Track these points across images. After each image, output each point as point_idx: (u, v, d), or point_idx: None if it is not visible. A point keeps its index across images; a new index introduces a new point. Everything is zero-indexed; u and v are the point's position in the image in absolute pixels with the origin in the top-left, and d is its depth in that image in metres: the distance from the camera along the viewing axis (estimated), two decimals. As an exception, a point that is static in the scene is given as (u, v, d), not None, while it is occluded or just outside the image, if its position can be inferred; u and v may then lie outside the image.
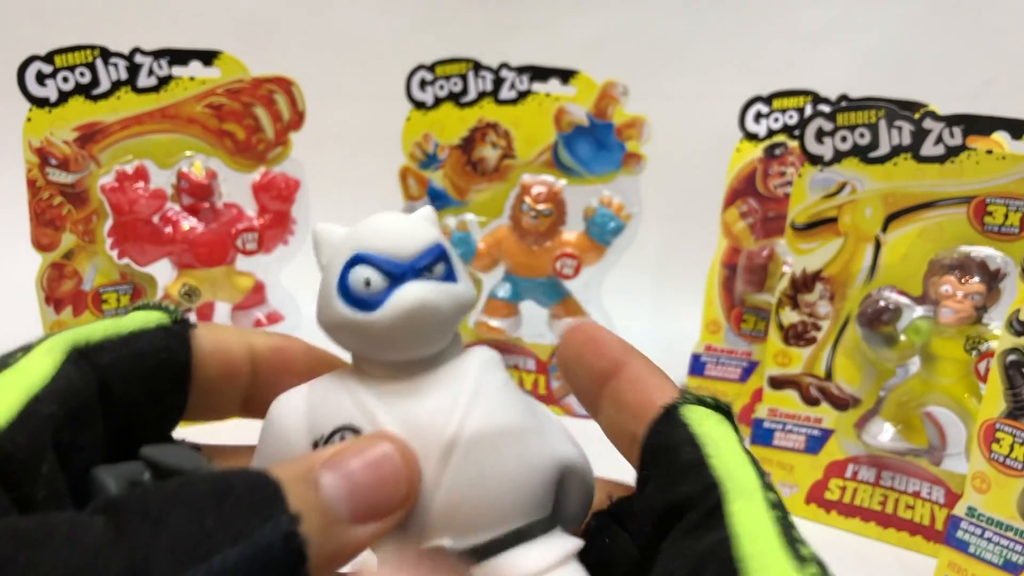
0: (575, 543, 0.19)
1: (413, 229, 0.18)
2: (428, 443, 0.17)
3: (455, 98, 0.64)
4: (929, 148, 0.50)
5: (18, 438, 0.15)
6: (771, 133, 0.64)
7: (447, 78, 0.64)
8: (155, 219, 0.61)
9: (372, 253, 0.18)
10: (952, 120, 0.49)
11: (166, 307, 0.20)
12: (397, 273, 0.18)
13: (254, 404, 0.21)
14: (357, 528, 0.16)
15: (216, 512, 0.14)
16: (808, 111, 0.63)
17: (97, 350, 0.18)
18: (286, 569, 0.14)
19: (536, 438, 0.19)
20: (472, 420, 0.18)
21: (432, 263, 0.18)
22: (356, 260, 0.18)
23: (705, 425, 0.18)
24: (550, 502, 0.19)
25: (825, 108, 0.62)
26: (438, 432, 0.18)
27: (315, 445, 0.18)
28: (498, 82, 0.64)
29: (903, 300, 0.53)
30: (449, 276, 0.18)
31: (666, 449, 0.18)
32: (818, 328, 0.55)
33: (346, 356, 0.20)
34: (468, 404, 0.18)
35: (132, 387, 0.18)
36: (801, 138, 0.52)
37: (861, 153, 0.52)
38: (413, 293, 0.17)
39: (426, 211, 0.20)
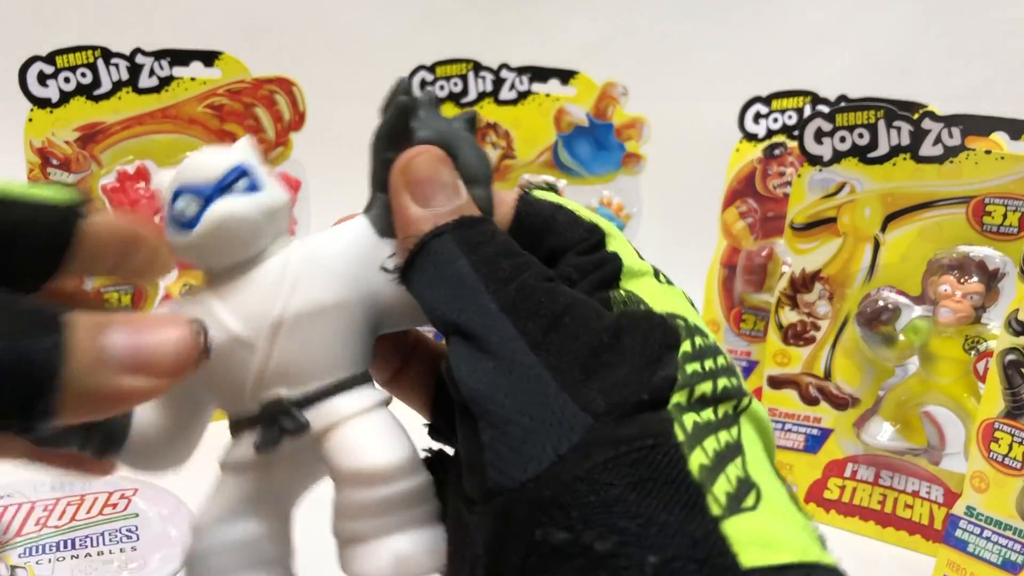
0: (385, 394, 0.23)
1: (214, 157, 0.22)
2: (259, 324, 0.22)
3: (455, 98, 0.65)
4: (928, 148, 0.50)
5: None
6: (770, 133, 0.64)
7: (447, 78, 0.64)
8: (156, 219, 0.61)
9: (185, 185, 0.21)
10: (951, 120, 0.50)
11: (73, 188, 0.23)
12: (206, 195, 0.21)
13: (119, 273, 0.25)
14: (125, 377, 0.18)
15: None
16: (807, 111, 0.63)
17: (7, 203, 0.20)
18: (38, 379, 0.17)
19: (354, 308, 0.23)
20: (293, 302, 0.22)
21: (234, 181, 0.21)
22: (176, 194, 0.21)
23: (559, 200, 0.24)
24: (366, 359, 0.23)
25: (824, 108, 0.62)
26: (265, 315, 0.22)
27: None
28: (498, 83, 0.64)
29: (902, 300, 0.53)
30: (252, 188, 0.22)
31: (541, 216, 0.23)
32: (817, 328, 0.55)
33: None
34: (289, 290, 0.22)
35: (7, 246, 0.20)
36: (800, 138, 0.53)
37: (860, 153, 0.52)
38: (220, 207, 0.21)
39: (241, 141, 0.23)
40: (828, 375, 0.55)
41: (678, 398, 0.18)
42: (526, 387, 0.19)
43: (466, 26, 0.90)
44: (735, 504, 0.17)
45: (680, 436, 0.18)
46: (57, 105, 0.57)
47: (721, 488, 0.17)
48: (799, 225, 0.54)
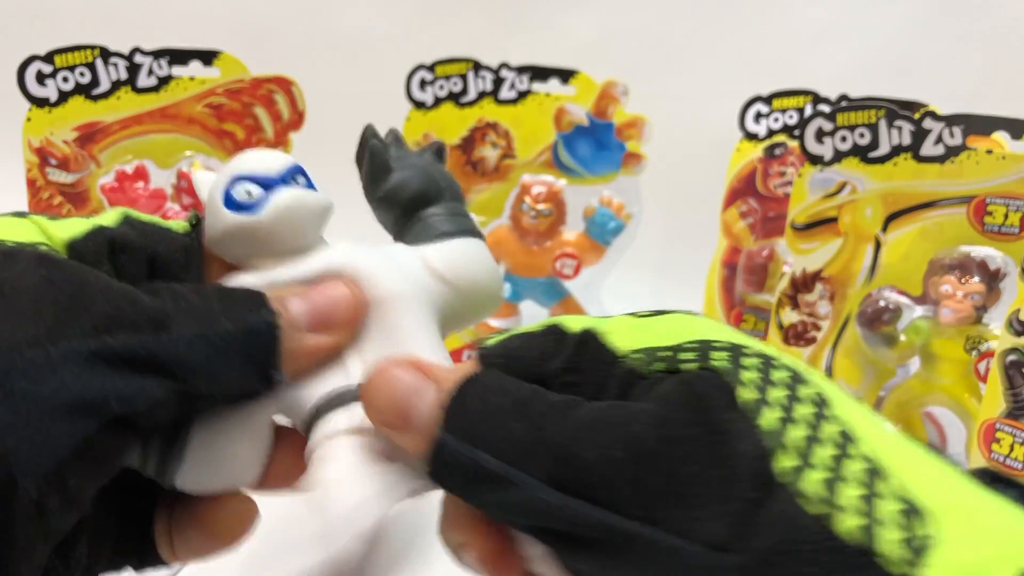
0: None
1: (275, 153, 0.24)
2: None
3: (455, 98, 0.64)
4: (929, 148, 0.50)
5: (88, 245, 0.22)
6: (771, 133, 0.64)
7: (447, 78, 0.64)
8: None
9: (248, 173, 0.23)
10: (952, 120, 0.49)
11: (191, 217, 0.25)
12: (270, 183, 0.23)
13: None
14: (312, 336, 0.22)
15: (219, 301, 0.21)
16: (808, 111, 0.63)
17: (141, 224, 0.23)
18: (267, 345, 0.21)
19: (421, 301, 0.24)
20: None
21: (295, 175, 0.23)
22: (236, 180, 0.23)
23: None
24: (447, 358, 0.24)
25: (825, 108, 0.62)
26: None
27: None
28: (498, 82, 0.64)
29: (903, 300, 0.53)
30: (310, 185, 0.24)
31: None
32: (818, 328, 0.55)
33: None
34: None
35: (159, 253, 0.23)
36: (801, 138, 0.52)
37: (861, 153, 0.52)
38: (287, 193, 0.23)
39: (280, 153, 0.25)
40: (829, 375, 0.55)
41: (784, 462, 0.16)
42: (656, 564, 0.16)
43: (466, 25, 0.90)
44: (916, 548, 0.14)
45: (813, 508, 0.15)
46: (56, 105, 0.57)
47: (892, 538, 0.15)
48: (800, 225, 0.54)
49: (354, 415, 0.22)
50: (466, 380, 0.20)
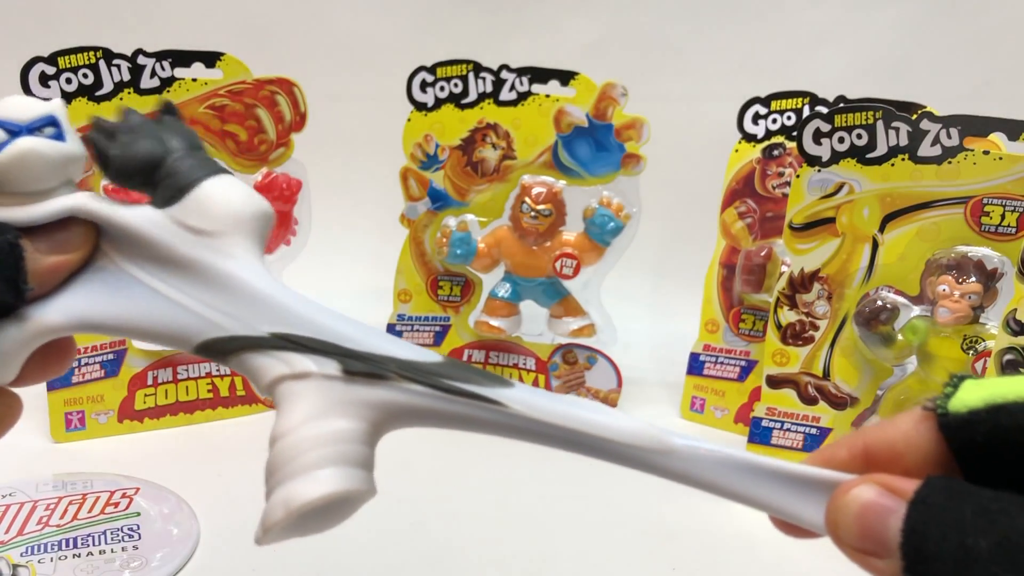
0: None
1: (31, 103, 0.25)
2: None
3: (456, 99, 0.65)
4: (926, 149, 0.51)
5: None
6: (769, 134, 0.64)
7: (448, 79, 0.64)
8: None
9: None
10: (949, 121, 0.50)
11: None
12: (15, 130, 0.25)
13: None
14: (51, 256, 0.24)
15: None
16: (806, 112, 0.63)
17: None
18: (13, 262, 0.23)
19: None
20: None
21: (42, 126, 0.25)
22: None
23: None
24: None
25: (823, 109, 0.62)
26: None
27: None
28: (498, 83, 0.64)
29: (900, 300, 0.53)
30: (58, 137, 0.26)
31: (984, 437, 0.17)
32: (816, 327, 0.55)
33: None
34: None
35: None
36: (799, 139, 0.53)
37: (858, 154, 0.52)
38: (24, 141, 0.25)
39: (57, 101, 0.26)
40: (827, 375, 0.56)
41: None
42: None
43: (466, 27, 0.91)
44: None
45: None
46: (59, 106, 0.57)
47: None
48: (798, 225, 0.54)
49: (288, 362, 0.23)
50: (918, 501, 0.16)
